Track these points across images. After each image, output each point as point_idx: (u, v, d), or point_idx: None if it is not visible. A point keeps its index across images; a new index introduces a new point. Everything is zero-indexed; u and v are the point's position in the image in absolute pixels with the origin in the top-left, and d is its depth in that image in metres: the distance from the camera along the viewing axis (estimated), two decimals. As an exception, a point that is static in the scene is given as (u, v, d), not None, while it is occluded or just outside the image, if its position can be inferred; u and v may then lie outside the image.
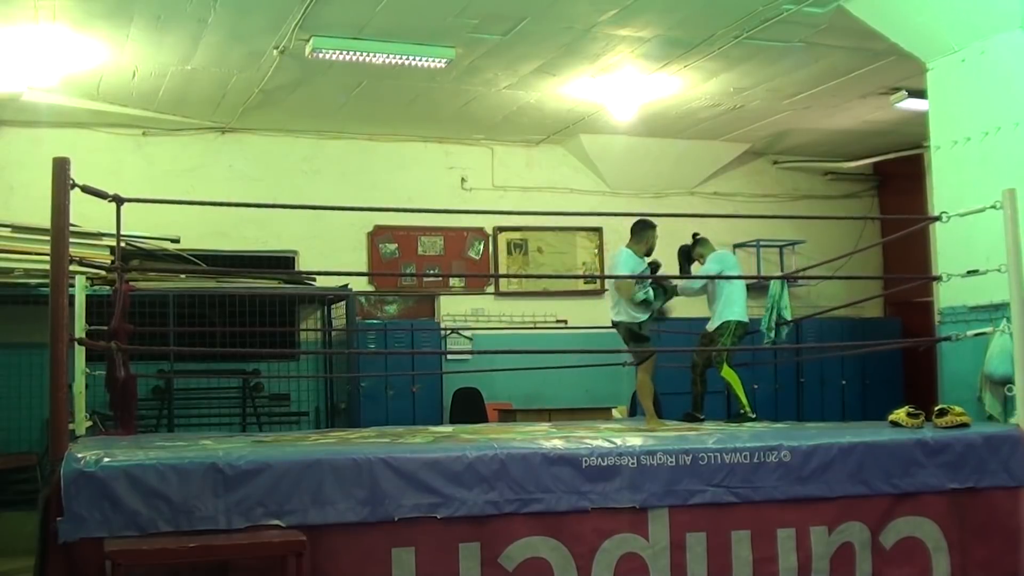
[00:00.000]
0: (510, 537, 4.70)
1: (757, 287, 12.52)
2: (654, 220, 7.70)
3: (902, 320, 12.39)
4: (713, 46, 8.79)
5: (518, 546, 4.70)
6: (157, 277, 9.55)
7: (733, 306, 7.86)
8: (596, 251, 12.12)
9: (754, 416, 7.71)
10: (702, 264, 8.16)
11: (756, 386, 11.58)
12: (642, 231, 7.61)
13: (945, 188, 7.45)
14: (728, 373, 7.78)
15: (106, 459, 4.27)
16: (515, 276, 11.72)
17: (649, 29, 8.41)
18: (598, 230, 12.09)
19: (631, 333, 7.48)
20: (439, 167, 11.78)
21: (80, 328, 6.48)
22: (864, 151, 12.52)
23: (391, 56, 8.67)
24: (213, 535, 4.25)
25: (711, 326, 8.00)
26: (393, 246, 11.53)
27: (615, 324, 7.57)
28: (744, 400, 7.76)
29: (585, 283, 11.97)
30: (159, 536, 4.19)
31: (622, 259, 7.55)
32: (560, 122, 11.18)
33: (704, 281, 7.97)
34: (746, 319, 7.93)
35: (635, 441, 5.09)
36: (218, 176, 10.88)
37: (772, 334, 8.22)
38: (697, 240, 8.32)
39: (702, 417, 7.86)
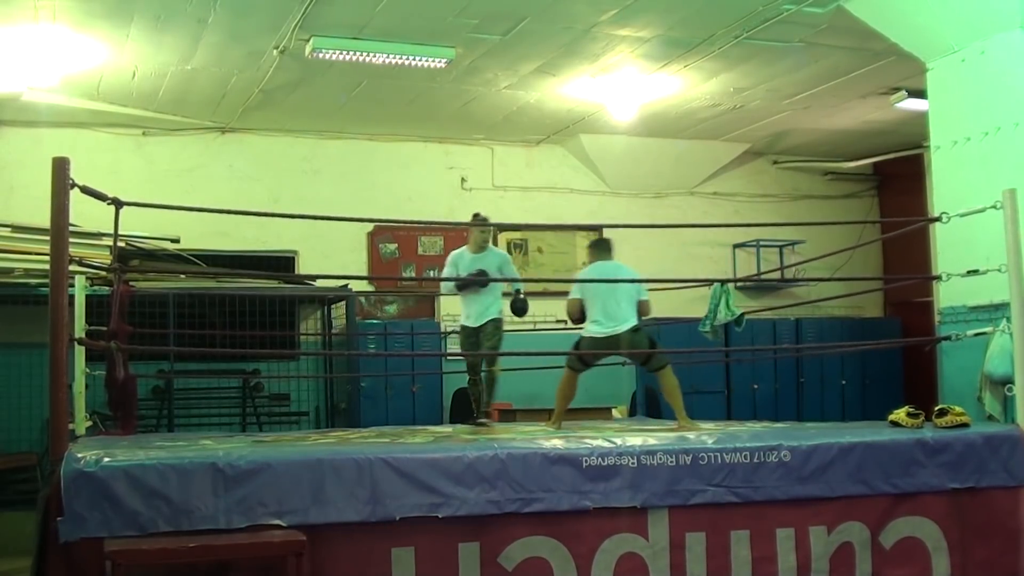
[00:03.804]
0: (510, 537, 4.69)
1: (760, 288, 12.62)
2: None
3: (902, 320, 12.38)
4: (713, 46, 8.79)
5: (518, 546, 4.70)
6: (157, 277, 9.55)
7: None
8: (596, 251, 12.12)
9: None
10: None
11: (756, 386, 11.60)
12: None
13: (945, 188, 7.45)
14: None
15: (106, 459, 4.27)
16: (514, 280, 11.69)
17: (649, 29, 8.41)
18: (598, 230, 12.06)
19: (651, 340, 7.33)
20: (439, 167, 11.78)
21: (80, 328, 6.48)
22: (864, 151, 12.52)
23: (391, 56, 8.67)
24: (213, 535, 4.24)
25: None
26: (393, 246, 11.53)
27: (629, 332, 7.08)
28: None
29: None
30: (159, 536, 4.18)
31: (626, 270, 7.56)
32: (560, 122, 11.18)
33: None
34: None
35: (635, 441, 5.09)
36: (218, 176, 10.88)
37: (710, 335, 7.69)
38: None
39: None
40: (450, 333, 11.07)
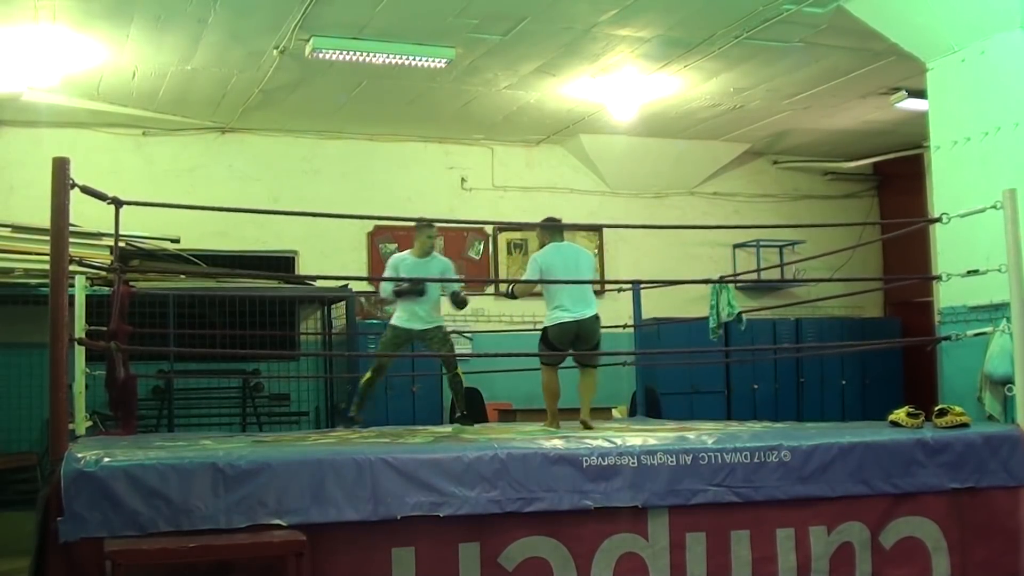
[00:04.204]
0: (510, 537, 4.69)
1: (760, 288, 12.62)
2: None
3: (902, 320, 12.39)
4: (713, 46, 8.79)
5: (518, 546, 4.70)
6: (157, 277, 9.55)
7: None
8: (596, 251, 12.10)
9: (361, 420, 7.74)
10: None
11: (756, 386, 11.61)
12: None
13: (945, 188, 7.45)
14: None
15: (106, 459, 4.26)
16: (514, 281, 11.69)
17: (649, 29, 8.41)
18: (598, 230, 12.08)
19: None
20: (439, 167, 11.78)
21: (80, 328, 6.48)
22: (864, 151, 12.52)
23: (391, 56, 8.67)
24: (213, 535, 4.24)
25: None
26: (393, 246, 11.49)
27: (593, 319, 7.16)
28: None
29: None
30: (159, 536, 4.18)
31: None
32: (560, 122, 11.18)
33: None
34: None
35: (635, 441, 5.09)
36: (218, 176, 10.88)
37: (717, 333, 7.81)
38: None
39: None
40: (450, 333, 11.07)
